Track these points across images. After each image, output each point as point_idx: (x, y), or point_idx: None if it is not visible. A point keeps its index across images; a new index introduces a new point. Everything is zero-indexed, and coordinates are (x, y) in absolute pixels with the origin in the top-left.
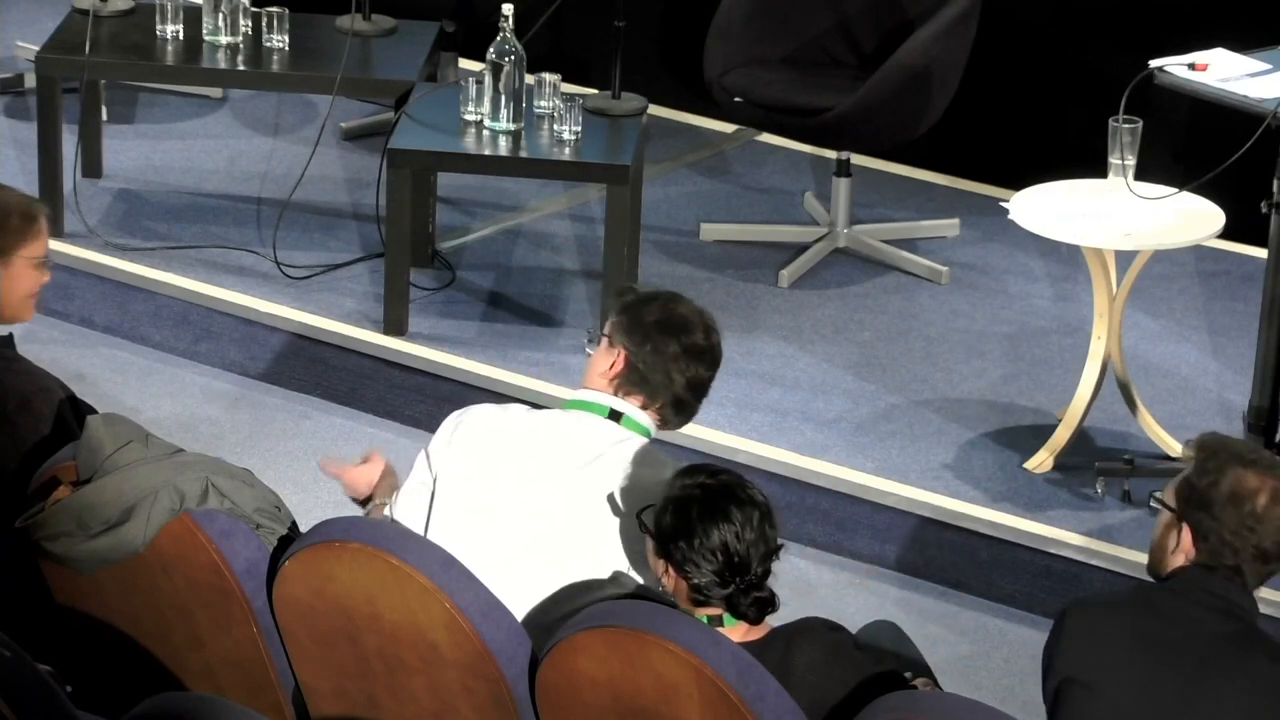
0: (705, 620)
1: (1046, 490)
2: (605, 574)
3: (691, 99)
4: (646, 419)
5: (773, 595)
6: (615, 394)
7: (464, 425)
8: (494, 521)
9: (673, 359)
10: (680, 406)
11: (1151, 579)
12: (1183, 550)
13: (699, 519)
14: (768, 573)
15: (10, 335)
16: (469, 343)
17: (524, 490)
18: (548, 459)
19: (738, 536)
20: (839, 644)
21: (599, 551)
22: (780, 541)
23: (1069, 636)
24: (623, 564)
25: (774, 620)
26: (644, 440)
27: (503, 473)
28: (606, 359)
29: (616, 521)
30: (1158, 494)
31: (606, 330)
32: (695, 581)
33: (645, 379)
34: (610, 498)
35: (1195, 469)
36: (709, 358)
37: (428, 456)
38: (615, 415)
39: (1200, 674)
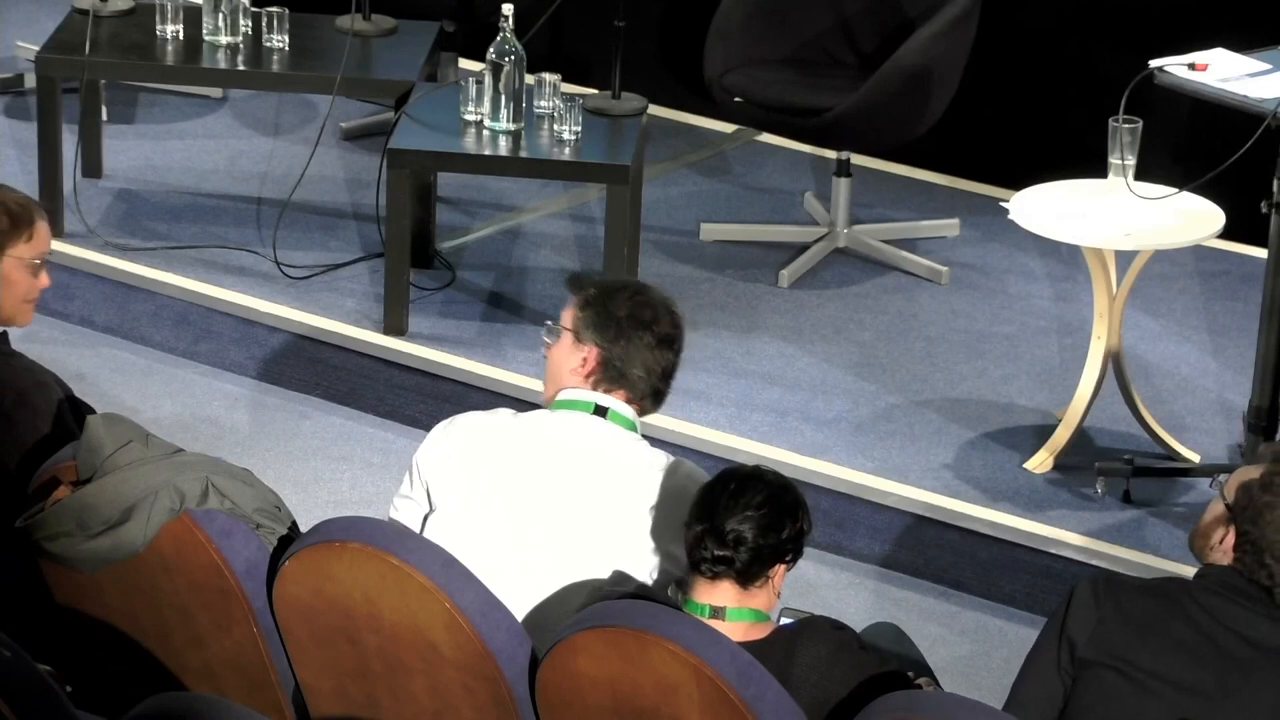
0: (710, 610)
1: (1046, 490)
2: (605, 574)
3: (691, 99)
4: (630, 412)
5: (716, 559)
6: (594, 389)
7: (454, 433)
8: (492, 524)
9: (647, 351)
10: (657, 395)
11: (1190, 550)
12: (1224, 550)
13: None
14: (749, 562)
15: (4, 333)
16: (469, 343)
17: (520, 492)
18: (542, 460)
19: (743, 513)
20: (844, 643)
21: (599, 551)
22: (788, 556)
23: (1101, 614)
24: (623, 563)
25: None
26: (633, 436)
27: (498, 476)
28: (574, 356)
29: (616, 520)
30: (1223, 479)
31: (569, 325)
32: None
33: (623, 374)
34: (609, 497)
35: (1262, 479)
36: (678, 344)
37: (416, 467)
38: (600, 411)
39: (1234, 677)
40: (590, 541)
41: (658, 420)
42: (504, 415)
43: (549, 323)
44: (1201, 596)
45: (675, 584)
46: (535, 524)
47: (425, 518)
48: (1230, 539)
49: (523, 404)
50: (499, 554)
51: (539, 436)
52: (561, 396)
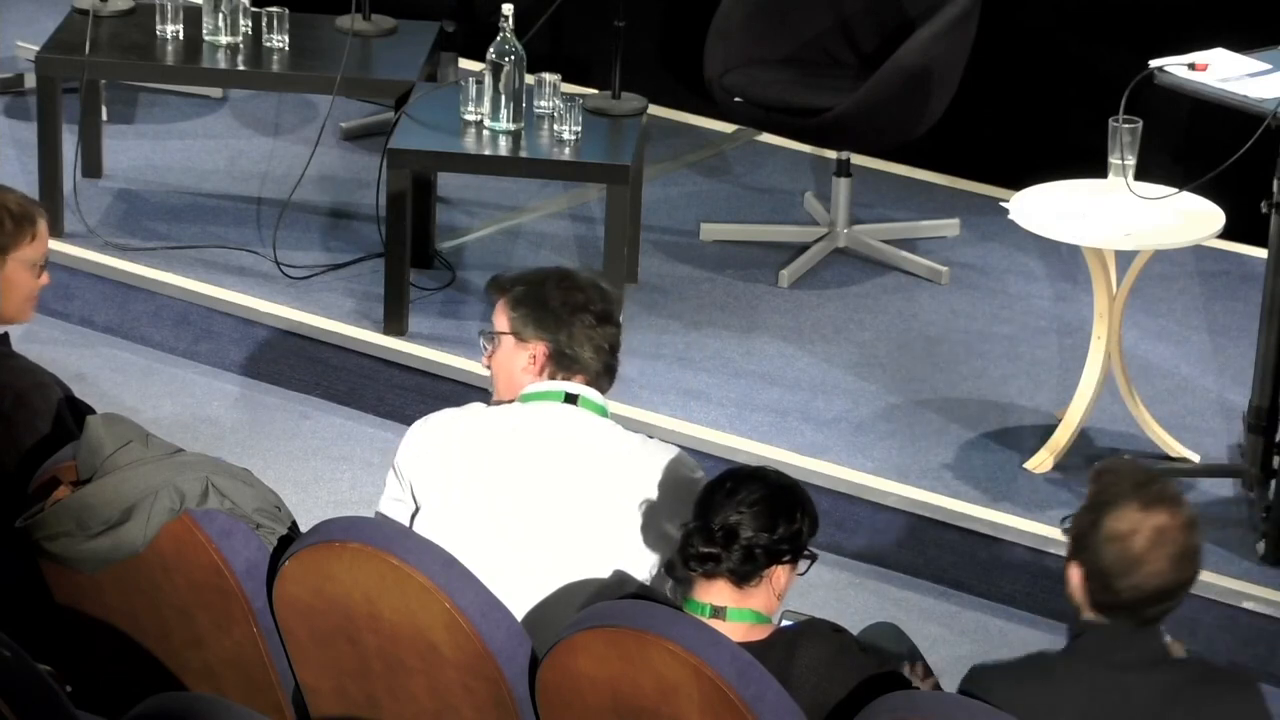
0: (710, 610)
1: (1046, 490)
2: (600, 563)
3: (691, 99)
4: (598, 396)
5: (708, 557)
6: (552, 379)
7: (429, 430)
8: (479, 518)
9: (591, 330)
10: (609, 371)
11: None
12: (1076, 592)
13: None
14: (741, 560)
15: (5, 334)
16: (469, 343)
17: (503, 485)
18: (522, 452)
19: (735, 510)
20: (843, 645)
21: (591, 540)
22: (785, 556)
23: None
24: (616, 550)
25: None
26: (607, 421)
27: (478, 469)
28: (520, 355)
29: (603, 507)
30: (1067, 525)
31: (506, 328)
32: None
33: (575, 359)
34: (594, 484)
35: (1084, 506)
36: (615, 316)
37: (397, 469)
38: (571, 399)
39: None
40: (581, 531)
41: (658, 420)
42: (477, 408)
43: (483, 332)
44: (1076, 665)
45: (668, 572)
46: (522, 517)
47: (412, 516)
48: (1075, 579)
49: (481, 402)
50: (488, 548)
51: (517, 428)
52: (529, 389)
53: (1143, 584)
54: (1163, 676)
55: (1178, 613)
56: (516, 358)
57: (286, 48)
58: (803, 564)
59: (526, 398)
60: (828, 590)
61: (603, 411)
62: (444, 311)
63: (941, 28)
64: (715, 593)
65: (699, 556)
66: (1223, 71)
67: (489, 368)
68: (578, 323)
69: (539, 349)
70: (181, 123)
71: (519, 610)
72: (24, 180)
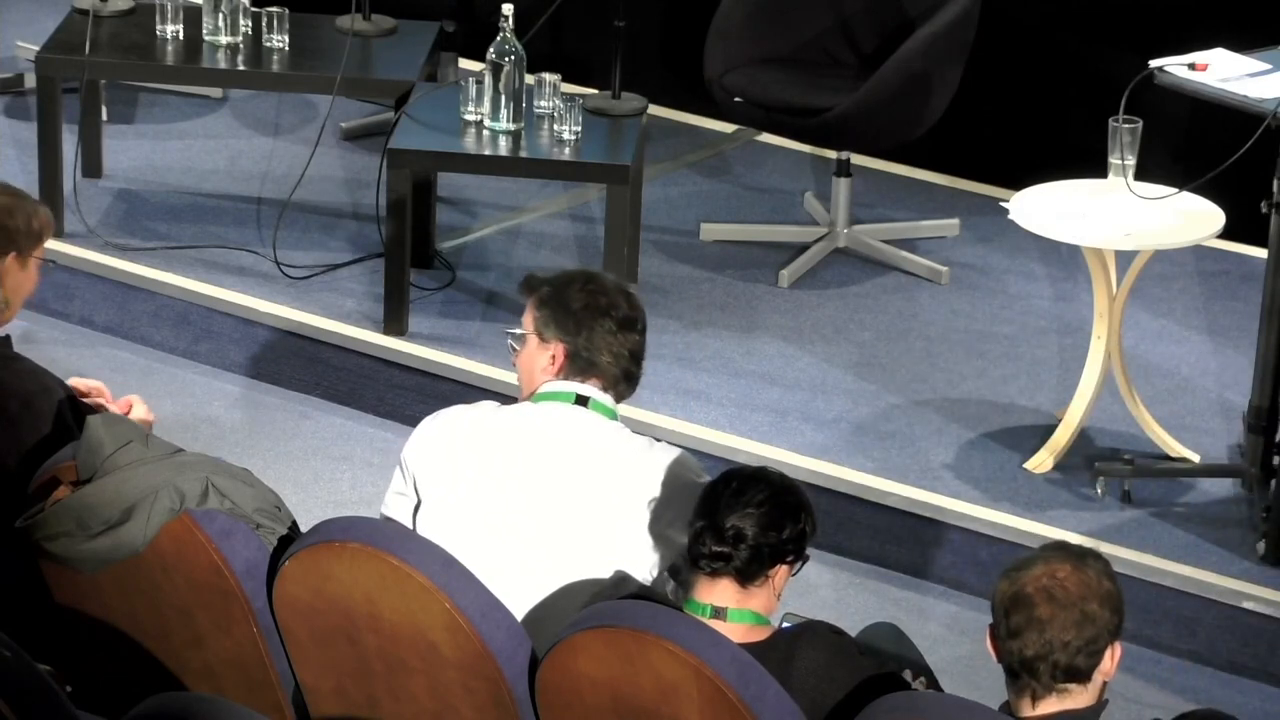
0: (711, 610)
1: (1046, 490)
2: (601, 563)
3: (691, 99)
4: (609, 400)
5: (716, 555)
6: (568, 380)
7: (437, 425)
8: (481, 515)
9: (610, 336)
10: (629, 378)
11: None
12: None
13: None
14: (749, 560)
15: (8, 336)
16: (469, 343)
17: (508, 483)
18: (528, 450)
19: (744, 510)
20: (842, 647)
21: (592, 540)
22: (789, 556)
23: None
24: (617, 552)
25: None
26: (615, 424)
27: (483, 467)
28: (542, 355)
29: (607, 508)
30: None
31: (529, 328)
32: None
33: (592, 363)
34: (599, 485)
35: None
36: (639, 323)
37: (404, 462)
38: (582, 400)
39: None
40: (583, 531)
41: (658, 420)
42: (487, 407)
43: (510, 331)
44: None
45: (670, 573)
46: (525, 515)
47: (414, 511)
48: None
49: (492, 400)
50: (489, 546)
51: (524, 427)
52: (542, 389)
53: (1054, 654)
54: None
55: (1179, 613)
56: (539, 358)
57: (286, 48)
58: (797, 564)
59: (538, 398)
60: (828, 590)
61: (612, 414)
62: (444, 311)
63: (941, 28)
64: (718, 593)
65: (710, 555)
66: (1223, 71)
67: (516, 366)
68: (598, 327)
69: (558, 350)
70: (181, 123)
71: (519, 610)
72: (24, 180)
